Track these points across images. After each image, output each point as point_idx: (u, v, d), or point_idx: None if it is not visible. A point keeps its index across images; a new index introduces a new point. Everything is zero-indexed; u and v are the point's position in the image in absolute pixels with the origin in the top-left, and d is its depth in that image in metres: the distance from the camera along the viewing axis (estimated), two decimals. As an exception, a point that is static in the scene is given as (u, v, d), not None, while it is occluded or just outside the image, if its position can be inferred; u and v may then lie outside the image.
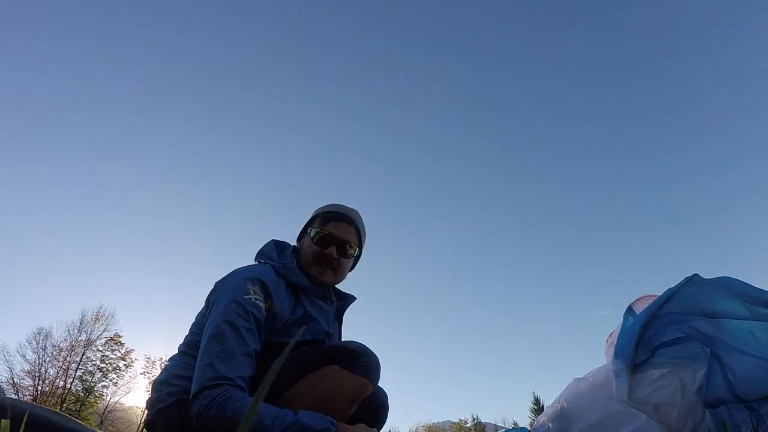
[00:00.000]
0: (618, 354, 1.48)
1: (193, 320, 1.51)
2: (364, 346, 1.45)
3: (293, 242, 1.72)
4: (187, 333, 1.49)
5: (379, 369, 1.44)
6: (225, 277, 1.47)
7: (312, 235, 1.59)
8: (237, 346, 1.27)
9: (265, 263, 1.54)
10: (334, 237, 1.58)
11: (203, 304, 1.50)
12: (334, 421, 1.25)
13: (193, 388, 1.22)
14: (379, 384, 1.47)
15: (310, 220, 1.68)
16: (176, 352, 1.48)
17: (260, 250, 1.63)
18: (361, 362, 1.37)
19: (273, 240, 1.67)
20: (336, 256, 1.57)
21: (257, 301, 1.35)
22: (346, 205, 1.70)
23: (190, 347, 1.43)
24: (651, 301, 1.84)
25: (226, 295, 1.35)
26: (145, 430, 1.37)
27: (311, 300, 1.55)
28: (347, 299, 1.72)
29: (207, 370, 1.22)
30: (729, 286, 1.42)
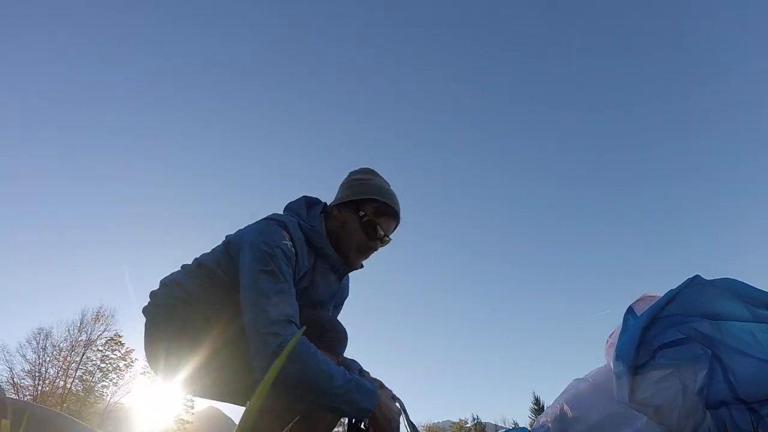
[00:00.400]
0: (619, 356, 1.48)
1: (208, 252, 1.50)
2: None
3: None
4: (205, 253, 1.48)
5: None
6: (257, 222, 1.42)
7: (363, 221, 1.49)
8: (291, 289, 1.29)
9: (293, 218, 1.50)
10: (384, 233, 1.52)
11: (222, 241, 1.48)
12: (377, 386, 1.28)
13: (261, 325, 1.18)
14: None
15: (364, 198, 1.51)
16: (189, 262, 1.50)
17: (289, 205, 1.57)
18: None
19: (304, 196, 1.60)
20: (377, 249, 1.55)
21: (293, 248, 1.35)
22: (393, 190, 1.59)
23: (201, 269, 1.43)
24: (652, 302, 1.84)
25: (266, 237, 1.31)
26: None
27: (324, 268, 1.51)
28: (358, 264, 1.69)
29: (273, 310, 1.20)
30: (731, 288, 1.42)
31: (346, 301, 1.76)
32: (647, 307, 1.81)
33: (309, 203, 1.58)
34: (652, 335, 1.43)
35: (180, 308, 1.38)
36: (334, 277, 1.57)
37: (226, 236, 1.48)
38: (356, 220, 1.49)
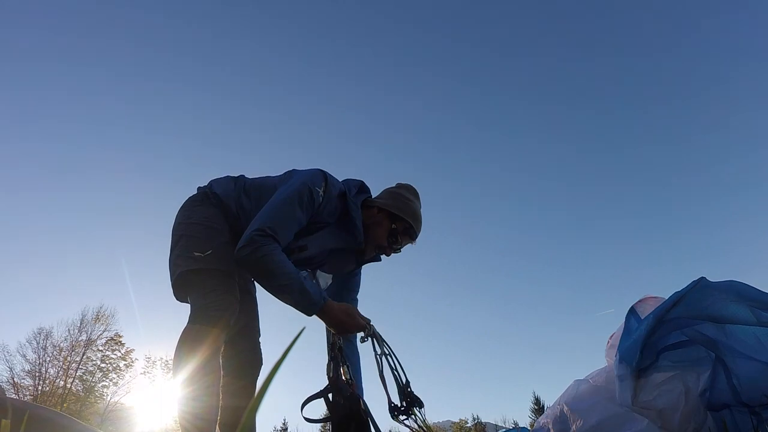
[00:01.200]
0: (623, 358, 1.47)
1: (260, 176, 1.86)
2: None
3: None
4: (269, 176, 1.85)
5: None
6: (312, 169, 1.76)
7: (392, 231, 1.82)
8: (296, 223, 1.61)
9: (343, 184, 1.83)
10: (399, 246, 1.87)
11: (282, 174, 1.83)
12: (326, 298, 1.57)
13: (256, 224, 1.55)
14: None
15: (401, 214, 1.82)
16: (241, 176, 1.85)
17: (348, 180, 1.89)
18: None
19: (361, 181, 1.92)
20: (388, 255, 1.89)
21: (321, 197, 1.67)
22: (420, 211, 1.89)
23: (254, 182, 1.79)
24: (654, 303, 1.83)
25: (306, 179, 1.67)
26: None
27: (339, 235, 1.78)
28: (374, 257, 1.94)
29: (270, 222, 1.55)
30: (736, 291, 1.41)
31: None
32: (650, 308, 1.80)
33: (361, 188, 1.90)
34: (657, 338, 1.42)
35: (212, 207, 1.72)
36: (351, 259, 1.89)
37: (286, 173, 1.83)
38: (388, 227, 1.82)
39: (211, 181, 1.84)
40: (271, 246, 1.52)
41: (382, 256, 1.91)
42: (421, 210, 1.90)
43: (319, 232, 1.73)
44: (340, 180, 1.86)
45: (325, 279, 1.92)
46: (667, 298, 1.94)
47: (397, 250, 1.88)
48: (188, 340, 1.46)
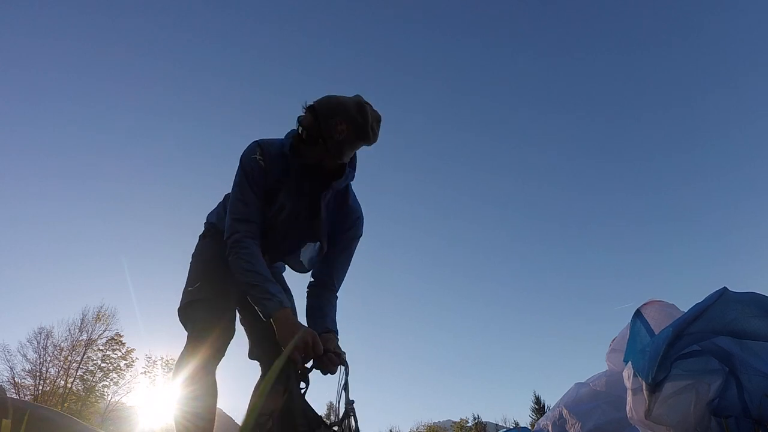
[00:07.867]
0: (637, 371, 1.44)
1: None
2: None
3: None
4: None
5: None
6: (247, 146, 1.75)
7: (325, 144, 1.60)
8: (253, 197, 1.65)
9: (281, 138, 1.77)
10: (338, 164, 1.68)
11: None
12: (283, 306, 1.50)
13: (229, 216, 1.64)
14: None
15: (335, 123, 1.59)
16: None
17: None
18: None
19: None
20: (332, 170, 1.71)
21: (261, 161, 1.68)
22: (370, 117, 1.61)
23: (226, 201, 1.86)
24: (659, 307, 1.82)
25: (243, 157, 1.69)
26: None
27: (293, 179, 1.69)
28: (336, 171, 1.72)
29: (237, 210, 1.63)
30: (759, 304, 1.37)
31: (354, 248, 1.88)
32: (655, 312, 1.79)
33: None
34: (674, 352, 1.38)
35: (209, 239, 1.83)
36: (304, 186, 1.71)
37: None
38: (323, 142, 1.64)
39: (207, 214, 1.93)
40: (248, 247, 1.58)
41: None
42: (368, 112, 1.62)
43: (284, 187, 1.71)
44: None
45: (311, 249, 1.79)
46: (670, 302, 1.92)
47: (335, 154, 1.62)
48: (180, 358, 1.61)
